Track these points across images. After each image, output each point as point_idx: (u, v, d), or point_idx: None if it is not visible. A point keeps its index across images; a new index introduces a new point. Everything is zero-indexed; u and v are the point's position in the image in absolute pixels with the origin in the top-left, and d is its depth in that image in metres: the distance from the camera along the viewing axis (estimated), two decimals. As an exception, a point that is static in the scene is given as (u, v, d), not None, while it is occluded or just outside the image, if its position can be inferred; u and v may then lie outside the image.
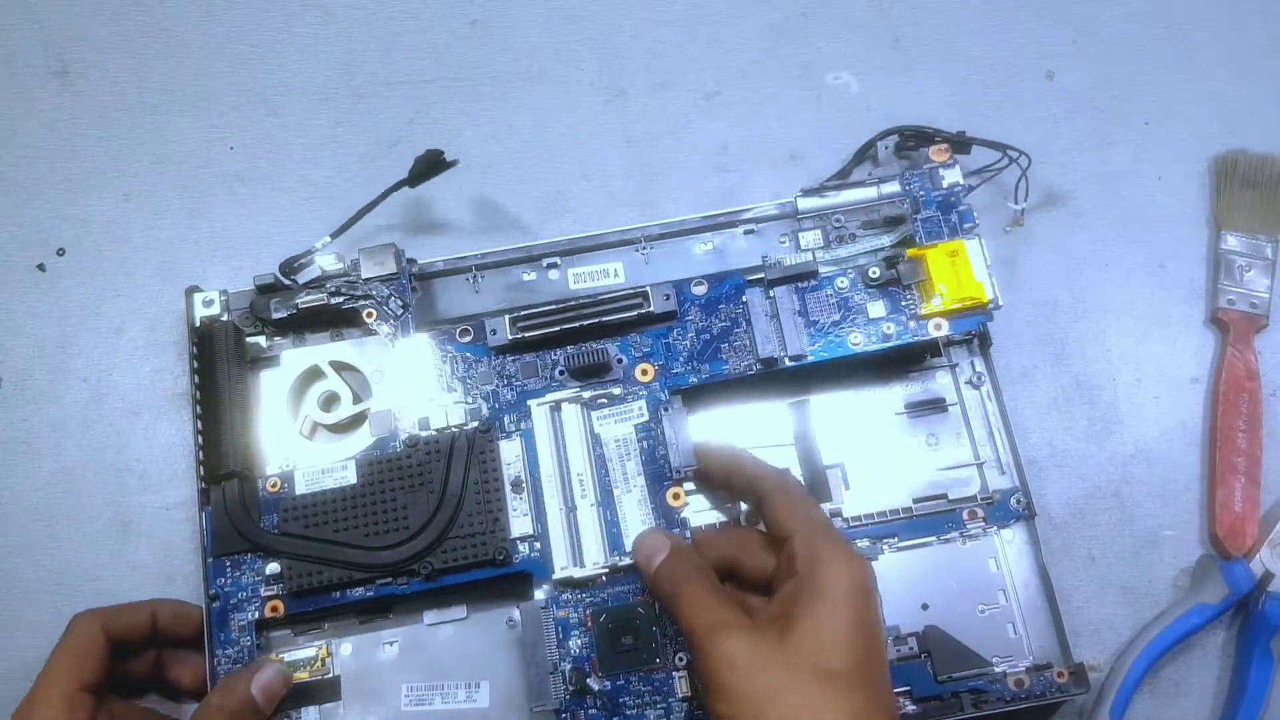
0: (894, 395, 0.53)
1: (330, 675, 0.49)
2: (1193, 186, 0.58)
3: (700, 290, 0.52)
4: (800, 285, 0.51)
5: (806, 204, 0.54)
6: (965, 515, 0.50)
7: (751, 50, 0.61)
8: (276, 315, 0.52)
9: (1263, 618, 0.50)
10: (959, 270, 0.50)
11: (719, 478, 0.48)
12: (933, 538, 0.50)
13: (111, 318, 0.57)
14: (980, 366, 0.53)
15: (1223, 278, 0.56)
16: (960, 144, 0.54)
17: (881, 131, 0.55)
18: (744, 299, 0.51)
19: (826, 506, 0.50)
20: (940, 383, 0.53)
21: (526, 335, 0.51)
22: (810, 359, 0.50)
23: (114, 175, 0.59)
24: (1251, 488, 0.53)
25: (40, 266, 0.58)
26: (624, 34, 0.61)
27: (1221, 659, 0.52)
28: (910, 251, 0.51)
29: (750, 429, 0.52)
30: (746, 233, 0.55)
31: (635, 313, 0.51)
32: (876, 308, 0.50)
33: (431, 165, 0.53)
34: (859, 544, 0.50)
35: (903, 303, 0.50)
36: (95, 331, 0.57)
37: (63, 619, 0.51)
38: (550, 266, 0.54)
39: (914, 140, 0.55)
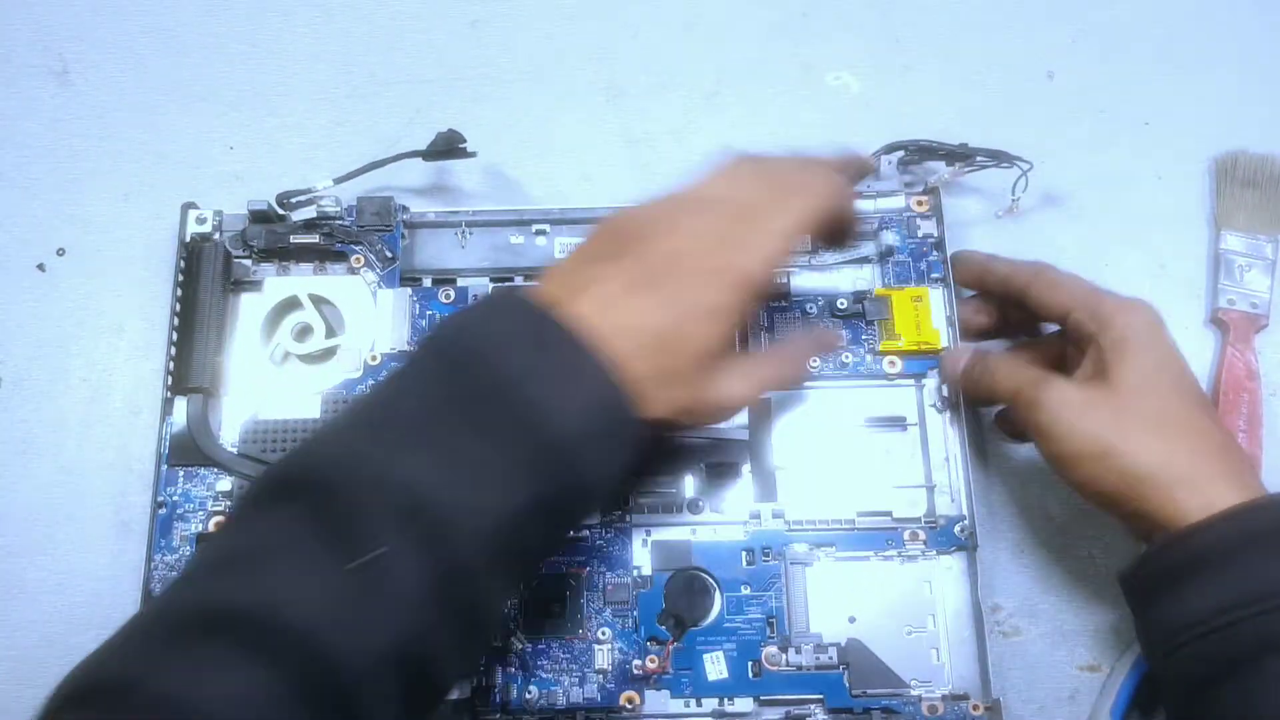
0: (857, 405, 0.52)
1: None
2: (1193, 186, 0.58)
3: None
4: (771, 304, 0.53)
5: None
6: (906, 536, 0.50)
7: (751, 50, 0.61)
8: (266, 244, 0.53)
9: (1263, 618, 0.50)
10: (920, 316, 0.53)
11: (973, 284, 0.53)
12: (870, 553, 0.50)
13: (111, 317, 0.57)
14: (947, 391, 0.52)
15: (1223, 278, 0.56)
16: (963, 156, 0.54)
17: (885, 146, 0.55)
18: None
19: (769, 506, 0.50)
20: (905, 399, 0.52)
21: None
22: None
23: (113, 175, 0.59)
24: (1251, 488, 0.53)
25: (40, 266, 0.58)
26: (624, 34, 0.61)
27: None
28: (878, 290, 0.53)
29: None
30: None
31: None
32: (839, 337, 0.53)
33: (450, 147, 0.54)
34: (795, 549, 0.50)
35: (863, 336, 0.53)
36: (95, 331, 0.56)
37: (63, 620, 0.52)
38: (539, 233, 0.55)
39: (916, 154, 0.55)
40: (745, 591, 0.49)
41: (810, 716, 0.48)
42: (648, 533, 0.50)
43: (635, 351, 0.38)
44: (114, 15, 0.62)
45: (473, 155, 0.55)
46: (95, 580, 0.52)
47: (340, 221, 0.54)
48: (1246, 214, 0.57)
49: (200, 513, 0.50)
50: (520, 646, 0.48)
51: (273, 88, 0.60)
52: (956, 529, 0.50)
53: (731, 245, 0.41)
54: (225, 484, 0.50)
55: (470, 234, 0.55)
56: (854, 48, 0.61)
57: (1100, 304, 0.47)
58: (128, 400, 0.55)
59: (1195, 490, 0.42)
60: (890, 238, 0.54)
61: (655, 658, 0.48)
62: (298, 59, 0.61)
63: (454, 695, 0.47)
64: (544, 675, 0.48)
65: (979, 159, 0.54)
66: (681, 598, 0.49)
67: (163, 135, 0.60)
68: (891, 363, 0.52)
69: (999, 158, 0.53)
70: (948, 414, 0.52)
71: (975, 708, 0.48)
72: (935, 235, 0.54)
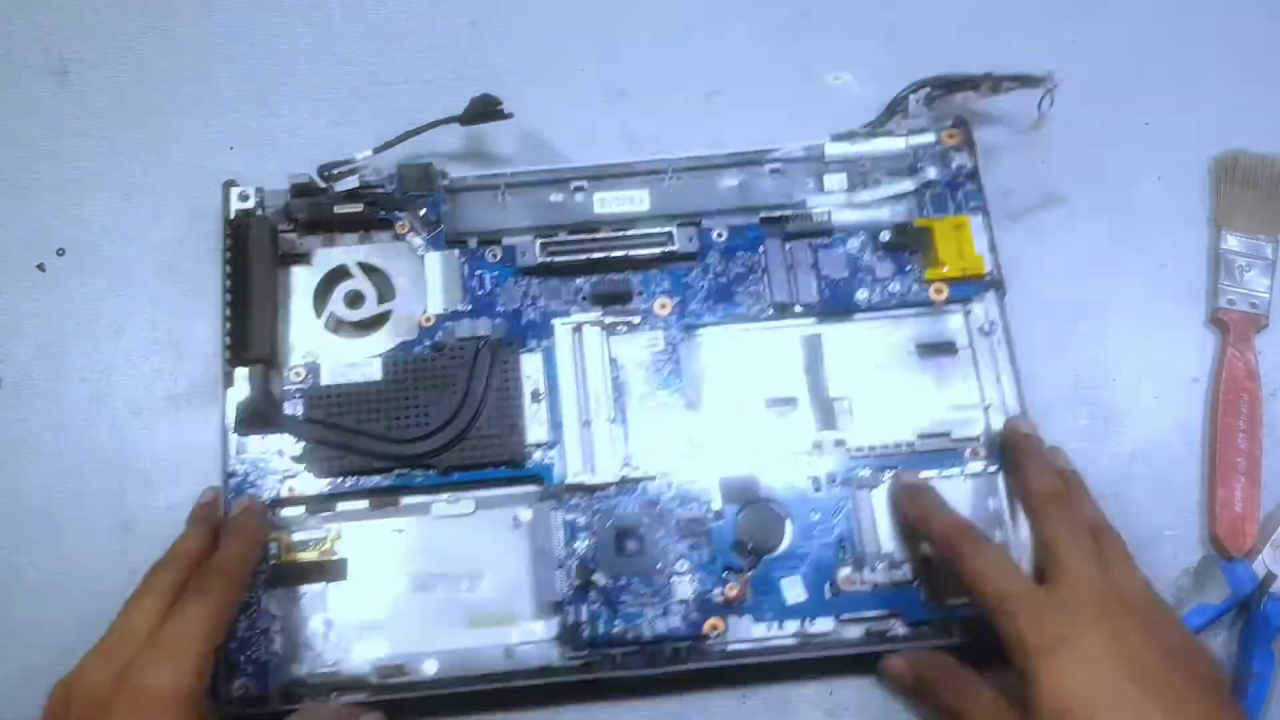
0: (905, 335, 0.54)
1: (338, 557, 0.51)
2: (1193, 186, 0.58)
3: (721, 237, 0.55)
4: (814, 242, 0.55)
5: (834, 150, 0.56)
6: (968, 453, 0.51)
7: (752, 51, 0.61)
8: (310, 216, 0.54)
9: (1265, 618, 0.50)
10: (962, 242, 0.54)
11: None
12: (934, 472, 0.51)
13: (111, 318, 0.57)
14: (993, 314, 0.54)
15: (1223, 278, 0.56)
16: (988, 83, 0.54)
17: (912, 84, 0.55)
18: (762, 248, 0.55)
19: (830, 434, 0.52)
20: (952, 326, 0.54)
21: (554, 259, 0.54)
22: (818, 310, 0.54)
23: (114, 175, 0.59)
24: (1252, 488, 0.53)
25: (40, 266, 0.58)
26: (624, 34, 0.61)
27: (1223, 660, 0.52)
28: (918, 221, 0.55)
29: (761, 356, 0.54)
30: (773, 172, 0.56)
31: (659, 250, 0.54)
32: (884, 269, 0.54)
33: (485, 111, 0.55)
34: (860, 473, 0.51)
35: (908, 267, 0.54)
36: (95, 331, 0.56)
37: (63, 621, 0.51)
38: (577, 190, 0.55)
39: (942, 88, 0.56)
40: (815, 518, 0.51)
41: (891, 631, 0.49)
42: (714, 470, 0.51)
43: None
44: (114, 15, 0.62)
45: (509, 117, 0.55)
46: (95, 581, 0.52)
47: (382, 190, 0.55)
48: (1246, 214, 0.57)
49: (273, 477, 0.51)
50: (603, 583, 0.49)
51: (273, 88, 0.60)
52: None
53: (136, 672, 0.42)
54: (295, 449, 0.51)
55: (510, 195, 0.56)
56: (855, 48, 0.61)
57: (1001, 621, 0.43)
58: (128, 401, 0.55)
59: None
60: (932, 172, 0.55)
61: (734, 585, 0.49)
62: (298, 59, 0.61)
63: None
64: (628, 609, 0.49)
65: (1005, 84, 0.54)
66: (753, 528, 0.50)
67: (163, 136, 0.59)
68: (938, 290, 0.54)
69: (1024, 80, 0.54)
70: (995, 336, 0.53)
71: None
72: (969, 166, 0.56)
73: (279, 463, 0.51)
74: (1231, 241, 0.56)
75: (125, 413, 0.55)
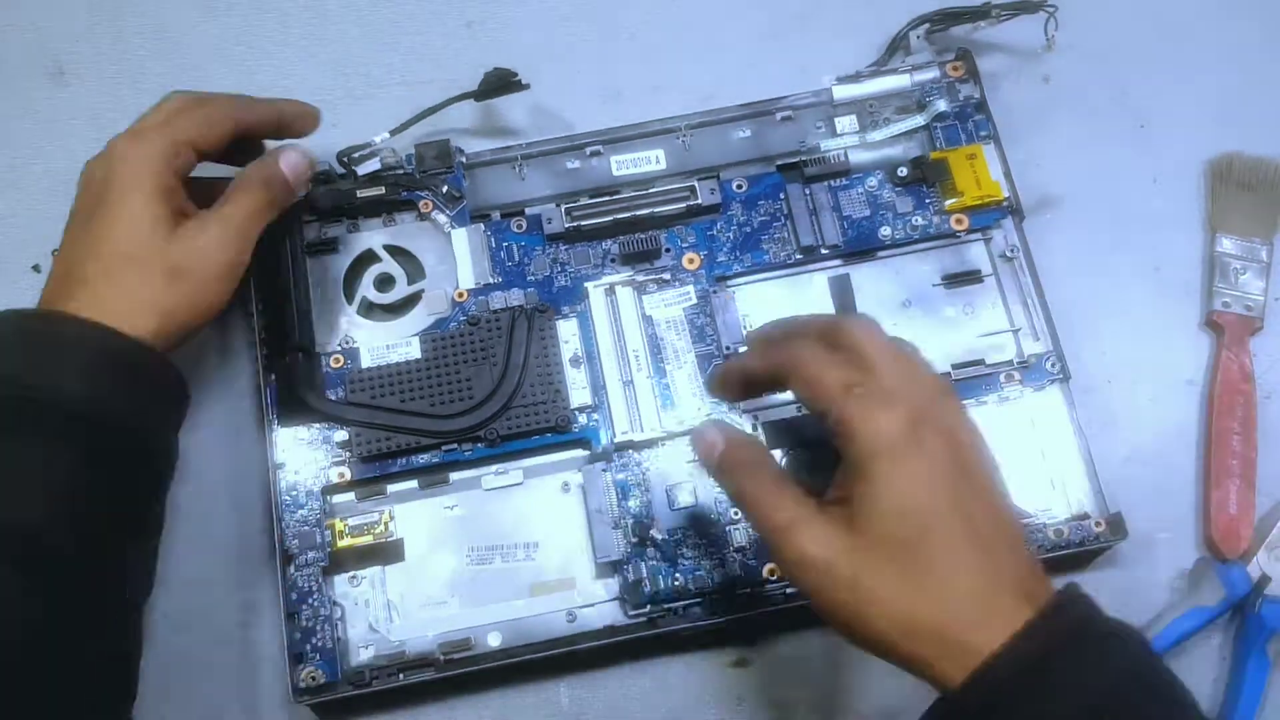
0: (931, 268, 0.55)
1: (394, 538, 0.51)
2: (1188, 189, 0.59)
3: (741, 188, 0.56)
4: (833, 184, 0.56)
5: (841, 92, 0.57)
6: (1002, 379, 0.53)
7: (748, 52, 0.61)
8: (332, 203, 0.55)
9: (1259, 621, 0.50)
10: (978, 171, 0.56)
11: (740, 393, 0.46)
12: (971, 400, 0.52)
13: (106, 319, 0.56)
14: (1014, 240, 0.55)
15: (1218, 280, 0.56)
16: (986, 15, 0.57)
17: (911, 21, 0.57)
18: (782, 195, 0.56)
19: None
20: (975, 255, 0.55)
21: (581, 225, 0.55)
22: (844, 250, 0.55)
23: (109, 177, 0.59)
24: (1246, 490, 0.53)
25: (35, 268, 0.57)
26: (620, 36, 0.62)
27: (1217, 662, 0.52)
28: (933, 154, 0.56)
29: (792, 301, 0.55)
30: (783, 120, 0.57)
31: (683, 204, 0.55)
32: (904, 203, 0.55)
33: (501, 84, 0.55)
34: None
35: (928, 200, 0.56)
36: (90, 333, 0.56)
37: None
38: (594, 154, 0.56)
39: (942, 23, 0.58)
40: None
41: None
42: (755, 417, 0.52)
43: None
44: (110, 17, 0.61)
45: (526, 88, 0.55)
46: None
47: (402, 170, 0.55)
48: (1241, 216, 0.57)
49: (320, 464, 0.51)
50: (660, 537, 0.50)
51: (268, 90, 0.59)
52: (1047, 364, 0.53)
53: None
54: (341, 435, 0.51)
55: (527, 165, 0.56)
56: (850, 50, 0.61)
57: (845, 409, 0.38)
58: (121, 403, 0.55)
59: (950, 647, 0.36)
60: (941, 105, 0.56)
61: None
62: (293, 61, 0.61)
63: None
64: (686, 562, 0.50)
65: (1003, 14, 0.56)
66: (804, 468, 0.50)
67: (158, 137, 0.59)
68: (959, 220, 0.55)
69: (1022, 8, 0.56)
70: (1018, 260, 0.55)
71: (1098, 524, 0.50)
72: (976, 97, 0.57)
73: (325, 450, 0.51)
74: (1226, 244, 0.57)
75: (119, 414, 0.55)
